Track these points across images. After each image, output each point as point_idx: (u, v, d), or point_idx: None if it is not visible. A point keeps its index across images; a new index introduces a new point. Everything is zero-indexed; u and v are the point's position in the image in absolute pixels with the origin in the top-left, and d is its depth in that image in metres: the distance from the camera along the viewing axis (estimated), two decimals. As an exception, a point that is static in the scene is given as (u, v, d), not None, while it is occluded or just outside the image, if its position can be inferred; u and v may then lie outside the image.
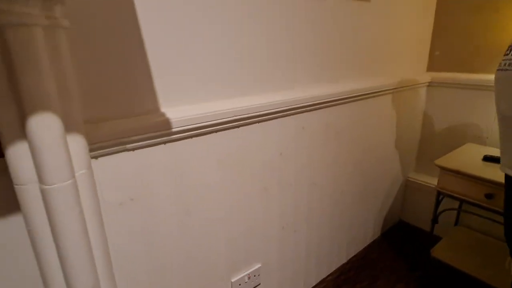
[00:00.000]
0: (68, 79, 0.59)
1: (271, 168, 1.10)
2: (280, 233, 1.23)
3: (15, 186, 0.59)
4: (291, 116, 1.11)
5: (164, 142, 0.81)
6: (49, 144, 0.57)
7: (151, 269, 0.88)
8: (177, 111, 0.82)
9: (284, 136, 1.11)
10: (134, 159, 0.76)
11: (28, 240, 0.62)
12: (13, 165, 0.57)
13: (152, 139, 0.78)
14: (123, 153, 0.74)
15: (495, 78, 0.87)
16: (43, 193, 0.59)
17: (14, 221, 0.69)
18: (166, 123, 0.79)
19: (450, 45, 1.70)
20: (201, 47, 0.84)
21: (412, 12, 1.57)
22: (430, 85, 1.79)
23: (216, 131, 0.91)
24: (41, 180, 0.58)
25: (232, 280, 1.11)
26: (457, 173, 1.29)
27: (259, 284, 1.21)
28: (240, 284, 1.12)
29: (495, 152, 1.37)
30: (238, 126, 0.96)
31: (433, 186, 1.69)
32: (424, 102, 1.83)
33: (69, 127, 0.60)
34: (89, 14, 0.65)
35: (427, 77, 1.77)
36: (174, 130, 0.80)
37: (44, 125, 0.55)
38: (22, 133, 0.56)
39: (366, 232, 1.77)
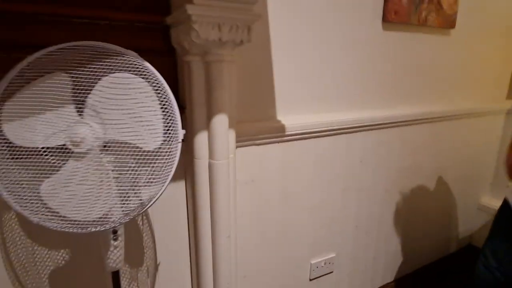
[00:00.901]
0: (233, 93, 0.92)
1: (352, 173, 1.33)
2: (353, 231, 1.43)
3: (194, 159, 0.92)
4: (373, 130, 1.33)
5: (278, 142, 1.10)
6: (220, 134, 0.89)
7: (255, 235, 1.16)
8: (289, 120, 1.11)
9: (365, 146, 1.33)
10: (258, 151, 1.07)
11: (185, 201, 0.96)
12: (196, 146, 0.91)
13: (271, 138, 1.08)
14: (252, 146, 1.05)
15: None
16: (210, 166, 0.92)
17: (181, 186, 1.03)
18: (281, 128, 1.09)
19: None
20: (306, 74, 1.13)
21: (493, 42, 1.67)
22: (510, 112, 1.83)
23: (314, 137, 1.17)
24: (211, 156, 0.91)
25: (311, 262, 1.34)
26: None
27: (332, 271, 1.42)
28: (317, 267, 1.35)
29: None
30: (329, 135, 1.21)
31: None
32: (502, 128, 1.87)
33: (230, 124, 0.92)
34: (246, 55, 0.98)
35: (507, 104, 1.82)
36: (286, 133, 1.09)
37: (220, 122, 0.88)
38: (206, 126, 0.89)
39: (434, 248, 1.84)
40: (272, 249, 1.22)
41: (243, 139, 1.02)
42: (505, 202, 0.99)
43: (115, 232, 0.70)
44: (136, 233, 0.99)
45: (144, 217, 1.00)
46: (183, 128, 0.69)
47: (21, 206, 0.61)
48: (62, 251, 0.89)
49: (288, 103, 1.12)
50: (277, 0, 1.01)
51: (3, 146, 0.60)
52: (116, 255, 0.74)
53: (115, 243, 0.73)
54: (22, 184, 0.63)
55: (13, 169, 0.62)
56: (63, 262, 0.90)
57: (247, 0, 0.77)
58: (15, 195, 0.61)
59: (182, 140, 0.69)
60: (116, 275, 0.79)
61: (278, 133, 1.08)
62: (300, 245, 1.28)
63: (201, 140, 0.90)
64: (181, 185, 1.02)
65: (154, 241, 1.03)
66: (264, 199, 1.13)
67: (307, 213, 1.26)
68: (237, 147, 1.00)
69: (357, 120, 1.25)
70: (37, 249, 0.87)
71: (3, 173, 0.61)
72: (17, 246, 0.84)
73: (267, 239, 1.19)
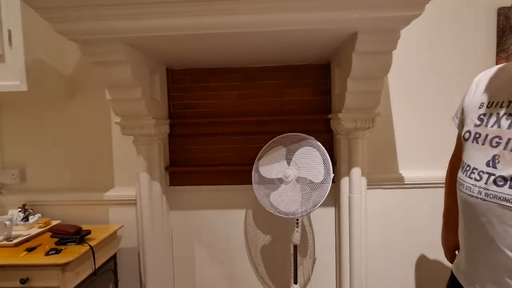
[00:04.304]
0: (365, 155, 1.55)
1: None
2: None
3: (340, 193, 1.59)
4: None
5: (399, 188, 1.61)
6: (356, 178, 1.53)
7: (381, 251, 1.65)
8: (406, 173, 1.61)
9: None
10: (383, 194, 1.62)
11: (332, 220, 1.61)
12: (342, 184, 1.57)
13: (393, 185, 1.61)
14: (379, 189, 1.62)
15: None
16: (350, 198, 1.55)
17: (330, 211, 1.70)
18: (401, 179, 1.60)
19: None
20: (419, 140, 1.61)
21: None
22: None
23: (429, 187, 1.60)
24: (350, 191, 1.55)
25: None
26: None
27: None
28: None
29: None
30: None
31: None
32: None
33: (362, 174, 1.54)
34: (377, 130, 1.61)
35: None
36: (404, 182, 1.60)
37: (356, 172, 1.52)
38: (347, 173, 1.55)
39: None
40: (393, 260, 1.66)
41: (373, 184, 1.61)
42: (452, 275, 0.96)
43: (297, 220, 1.45)
44: (305, 234, 1.72)
45: (309, 225, 1.72)
46: (333, 173, 1.39)
47: (267, 202, 1.46)
48: (268, 235, 1.73)
49: (407, 160, 1.63)
50: (398, 100, 1.61)
51: (259, 177, 1.49)
52: (296, 236, 1.48)
53: (297, 228, 1.47)
54: (263, 194, 1.49)
55: (261, 187, 1.50)
56: (269, 240, 1.73)
57: (370, 107, 1.43)
58: (260, 197, 1.48)
59: (333, 179, 1.39)
60: (295, 248, 1.52)
61: (397, 182, 1.60)
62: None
63: (344, 181, 1.57)
64: (332, 208, 1.70)
65: (314, 241, 1.72)
66: (388, 228, 1.63)
67: (418, 248, 1.63)
68: (368, 188, 1.60)
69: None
70: (259, 232, 1.73)
71: (257, 188, 1.50)
72: (252, 230, 1.74)
73: (390, 257, 1.65)
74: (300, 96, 1.69)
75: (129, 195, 1.68)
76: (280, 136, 1.50)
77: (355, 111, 1.43)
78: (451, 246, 1.07)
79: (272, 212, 1.44)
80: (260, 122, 1.68)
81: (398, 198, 1.63)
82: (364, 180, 1.55)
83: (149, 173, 1.54)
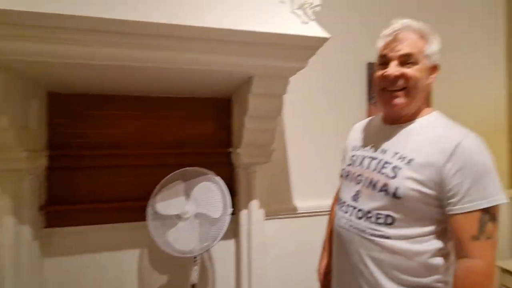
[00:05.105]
0: (264, 187, 1.63)
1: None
2: None
3: (239, 225, 1.61)
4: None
5: (294, 217, 1.74)
6: (255, 210, 1.58)
7: (276, 272, 1.72)
8: (300, 203, 1.75)
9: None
10: (281, 223, 1.72)
11: (233, 253, 1.62)
12: (241, 216, 1.61)
13: (289, 215, 1.73)
14: (276, 219, 1.71)
15: None
16: (249, 230, 1.59)
17: (230, 244, 1.71)
18: (294, 209, 1.74)
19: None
20: (310, 173, 1.80)
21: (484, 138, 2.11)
22: (512, 200, 2.12)
23: (316, 215, 1.78)
24: (249, 223, 1.59)
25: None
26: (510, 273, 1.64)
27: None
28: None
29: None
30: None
31: None
32: (507, 214, 2.14)
33: (261, 206, 1.61)
34: (273, 165, 1.72)
35: (508, 194, 2.13)
36: (298, 212, 1.73)
37: (255, 204, 1.58)
38: (247, 206, 1.60)
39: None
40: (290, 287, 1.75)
41: (270, 215, 1.69)
42: None
43: (195, 258, 1.40)
44: (205, 269, 1.67)
45: (209, 260, 1.68)
46: (232, 207, 1.41)
47: (163, 241, 1.37)
48: (165, 275, 1.62)
49: (301, 191, 1.78)
50: (293, 135, 1.77)
51: (155, 213, 1.40)
52: (195, 274, 1.43)
53: (195, 267, 1.42)
54: (159, 231, 1.40)
55: (157, 224, 1.41)
56: (166, 280, 1.62)
57: (266, 143, 1.54)
58: (156, 235, 1.38)
59: (233, 211, 1.41)
60: (193, 286, 1.46)
61: (292, 212, 1.73)
62: None
63: (243, 213, 1.61)
64: (232, 241, 1.71)
65: (214, 276, 1.68)
66: (284, 256, 1.73)
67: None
68: (266, 219, 1.67)
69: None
70: (155, 273, 1.61)
71: (153, 225, 1.40)
72: (148, 271, 1.60)
73: (287, 284, 1.74)
74: (203, 129, 1.70)
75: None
76: (180, 170, 1.46)
77: (252, 147, 1.51)
78: (323, 271, 1.17)
79: (169, 252, 1.36)
80: (160, 155, 1.61)
81: (293, 226, 1.75)
82: (262, 212, 1.62)
83: (16, 215, 1.29)
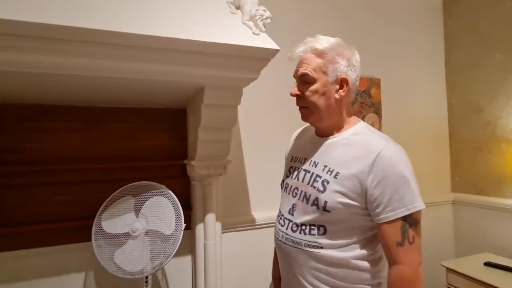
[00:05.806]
0: (220, 200, 1.59)
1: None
2: None
3: (195, 240, 1.55)
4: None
5: (252, 229, 1.71)
6: (210, 224, 1.53)
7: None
8: (257, 214, 1.73)
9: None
10: (238, 236, 1.68)
11: (189, 270, 1.55)
12: (197, 231, 1.55)
13: (246, 227, 1.70)
14: (233, 232, 1.67)
15: None
16: (205, 244, 1.54)
17: (186, 260, 1.64)
18: (252, 220, 1.71)
19: (465, 173, 2.25)
20: (266, 185, 1.80)
21: (429, 146, 2.26)
22: (454, 203, 2.29)
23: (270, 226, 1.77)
24: (205, 238, 1.54)
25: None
26: (454, 272, 1.75)
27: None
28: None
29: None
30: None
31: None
32: (451, 216, 2.30)
33: (217, 219, 1.56)
34: (229, 177, 1.69)
35: (450, 196, 2.30)
36: (256, 223, 1.71)
37: (211, 217, 1.53)
38: (202, 219, 1.54)
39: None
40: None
41: (228, 228, 1.65)
42: None
43: (146, 278, 1.31)
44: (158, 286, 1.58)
45: (164, 278, 1.59)
46: (185, 223, 1.35)
47: (109, 262, 1.27)
48: (115, 298, 1.50)
49: (258, 202, 1.77)
50: (249, 147, 1.76)
51: (101, 232, 1.30)
52: (146, 296, 1.34)
53: (147, 286, 1.33)
54: (105, 251, 1.30)
55: (103, 244, 1.31)
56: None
57: (222, 155, 1.50)
58: (102, 257, 1.28)
59: (189, 226, 1.34)
60: (145, 310, 1.37)
61: (250, 223, 1.71)
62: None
63: (199, 228, 1.55)
64: (188, 257, 1.64)
65: (169, 296, 1.60)
66: (242, 268, 1.69)
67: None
68: (223, 232, 1.63)
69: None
70: (102, 295, 1.49)
71: (98, 246, 1.30)
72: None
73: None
74: (156, 141, 1.63)
75: None
76: (129, 185, 1.37)
77: (207, 159, 1.47)
78: (276, 278, 1.18)
79: (117, 274, 1.26)
80: (107, 169, 1.50)
81: (251, 238, 1.72)
82: (218, 225, 1.57)
83: None
